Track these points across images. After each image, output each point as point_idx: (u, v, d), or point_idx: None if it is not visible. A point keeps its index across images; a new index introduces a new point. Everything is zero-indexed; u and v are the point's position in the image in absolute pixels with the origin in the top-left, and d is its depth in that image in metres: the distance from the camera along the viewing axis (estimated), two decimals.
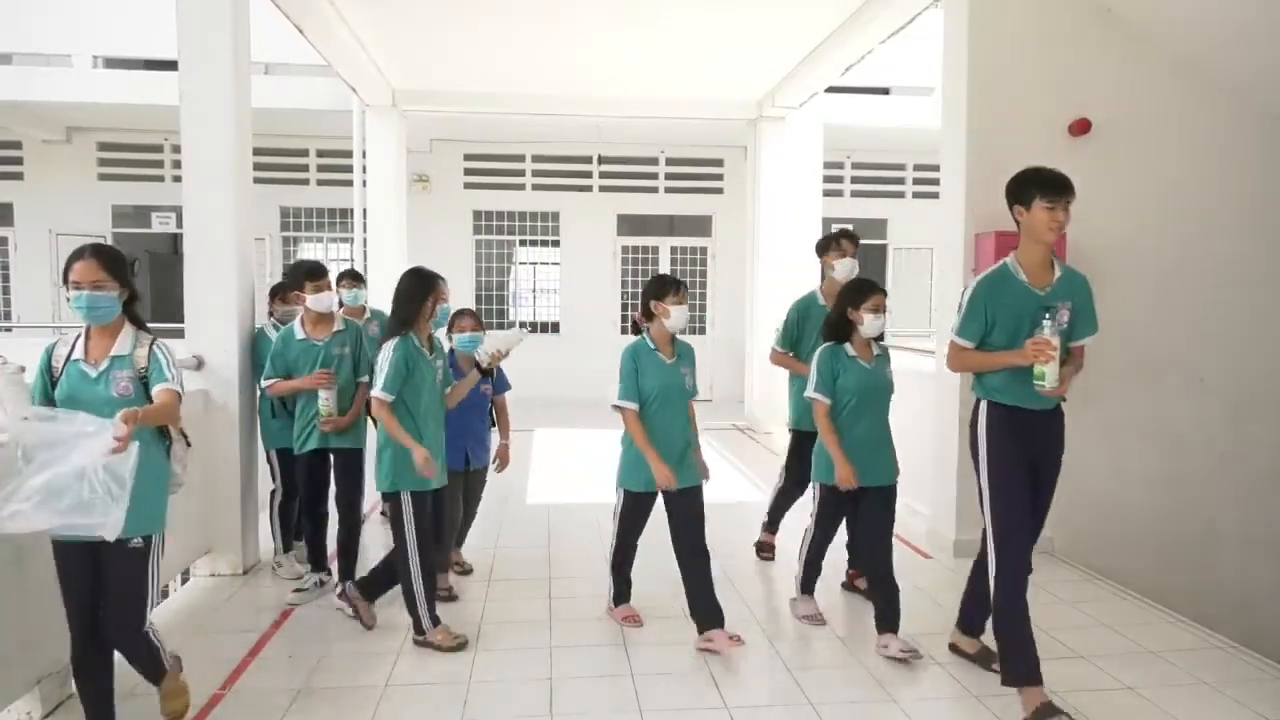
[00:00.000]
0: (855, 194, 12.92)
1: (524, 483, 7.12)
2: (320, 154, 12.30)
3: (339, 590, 4.28)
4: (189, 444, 3.08)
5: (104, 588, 2.83)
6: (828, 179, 10.91)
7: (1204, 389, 5.38)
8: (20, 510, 2.43)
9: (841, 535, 4.72)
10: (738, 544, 5.28)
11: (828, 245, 4.79)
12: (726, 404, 11.64)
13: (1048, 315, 3.11)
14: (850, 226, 4.87)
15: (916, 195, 12.77)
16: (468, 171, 12.74)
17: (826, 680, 3.62)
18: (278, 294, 5.02)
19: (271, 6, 6.14)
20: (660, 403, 3.86)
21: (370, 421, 4.35)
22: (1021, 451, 3.28)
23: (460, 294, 12.53)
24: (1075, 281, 3.33)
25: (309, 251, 12.74)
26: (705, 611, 3.80)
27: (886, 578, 3.84)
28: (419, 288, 3.88)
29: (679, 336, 3.98)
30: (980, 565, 3.50)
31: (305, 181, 12.37)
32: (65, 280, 2.80)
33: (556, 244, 13.07)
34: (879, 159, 12.84)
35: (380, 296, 6.28)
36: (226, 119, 4.77)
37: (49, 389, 2.79)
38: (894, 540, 4.03)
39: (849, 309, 3.85)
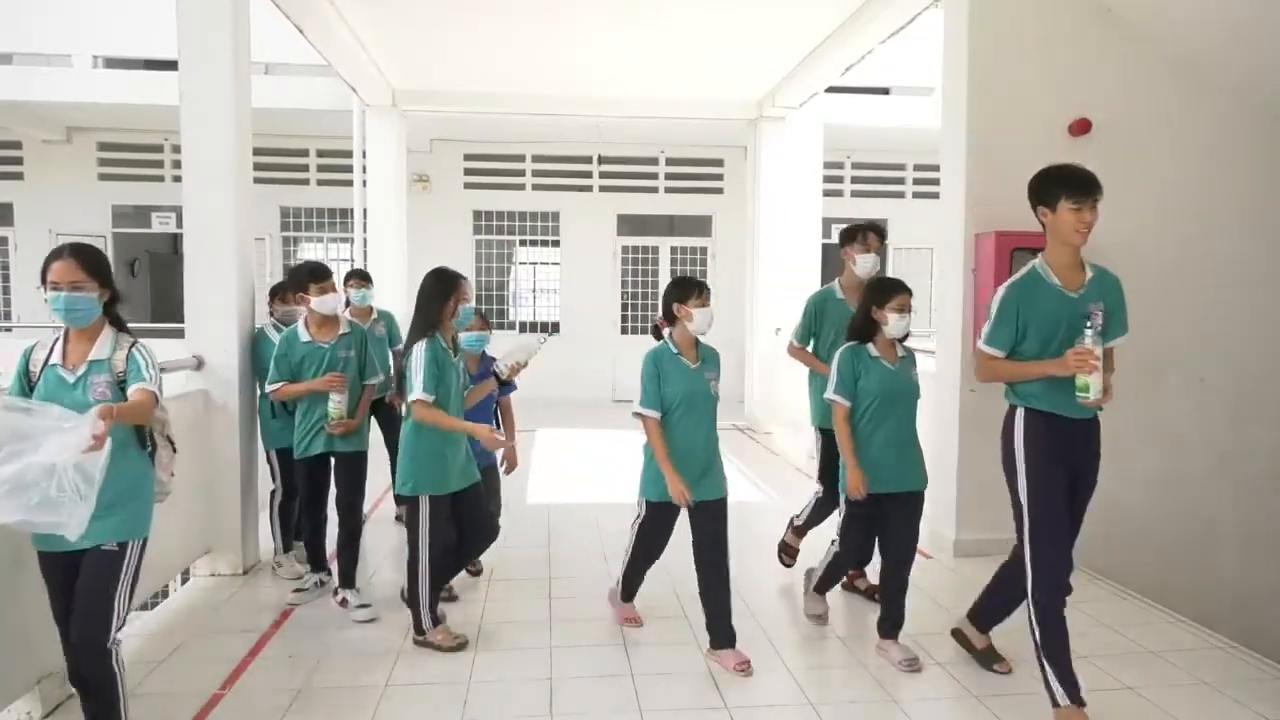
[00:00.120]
0: (855, 194, 12.92)
1: (524, 483, 7.12)
2: (320, 154, 12.30)
3: (339, 597, 4.28)
4: (175, 450, 2.97)
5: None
6: (828, 179, 10.92)
7: (1204, 389, 5.38)
8: None
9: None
10: (737, 543, 5.26)
11: (851, 237, 4.56)
12: (726, 404, 11.50)
13: (1089, 324, 2.97)
14: (876, 220, 4.68)
15: (916, 195, 12.78)
16: (468, 171, 12.75)
17: (826, 680, 3.62)
18: (278, 294, 5.02)
19: (271, 6, 6.14)
20: (684, 410, 3.67)
21: (375, 423, 4.35)
22: (1061, 462, 3.14)
23: None
24: (1107, 281, 3.21)
25: (309, 251, 12.75)
26: (718, 631, 3.71)
27: (902, 586, 3.78)
28: (442, 288, 3.85)
29: (703, 340, 3.81)
30: (1010, 568, 3.40)
31: (305, 181, 12.38)
32: (43, 281, 2.68)
33: (556, 244, 13.08)
34: (879, 159, 12.85)
35: (381, 297, 6.29)
36: (226, 119, 4.77)
37: (26, 394, 2.68)
38: None
39: (873, 308, 3.71)
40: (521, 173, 12.86)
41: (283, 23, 6.59)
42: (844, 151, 12.48)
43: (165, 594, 4.63)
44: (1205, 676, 3.61)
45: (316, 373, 4.29)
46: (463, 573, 4.83)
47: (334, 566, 4.51)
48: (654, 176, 13.04)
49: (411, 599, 3.86)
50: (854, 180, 13.00)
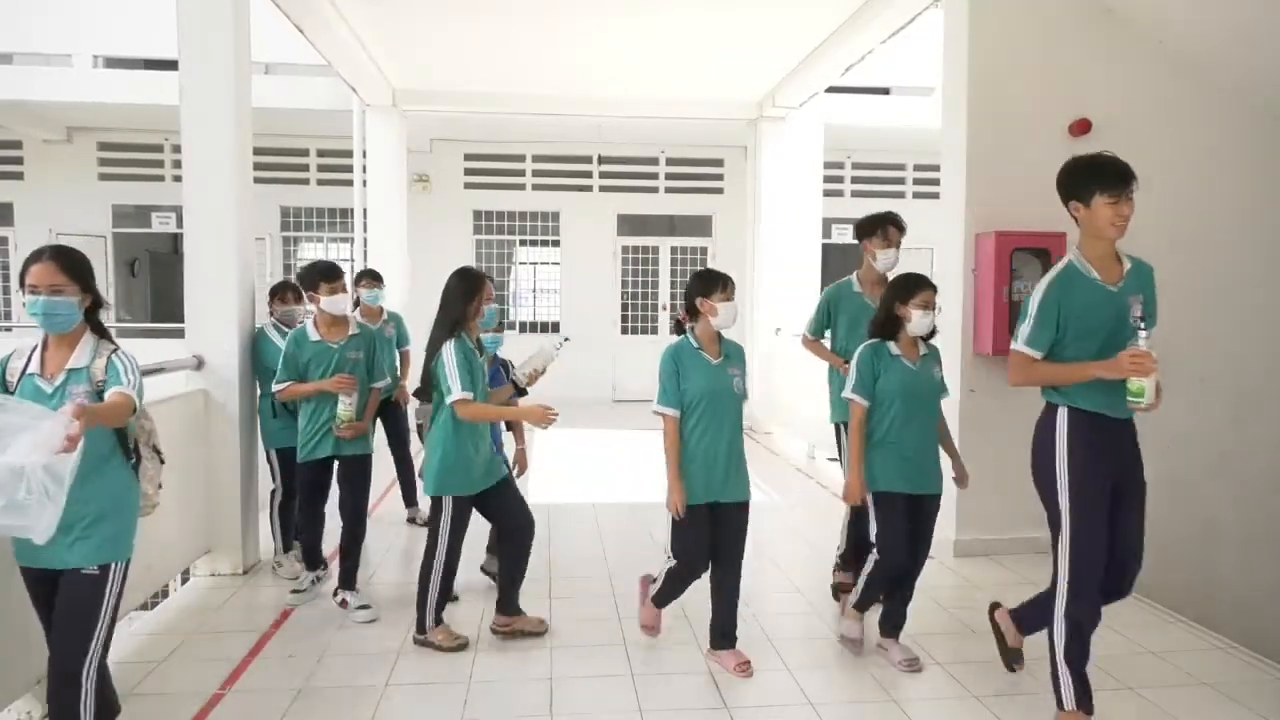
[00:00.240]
0: (855, 194, 12.92)
1: (524, 483, 7.09)
2: (320, 154, 12.30)
3: (339, 597, 4.28)
4: (162, 461, 2.83)
5: None
6: (828, 179, 10.91)
7: (1204, 389, 5.38)
8: None
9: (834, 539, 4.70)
10: None
11: (871, 230, 4.38)
12: None
13: (1142, 324, 2.81)
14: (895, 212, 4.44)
15: (916, 195, 12.78)
16: (468, 171, 12.75)
17: (826, 680, 3.62)
18: (278, 294, 5.01)
19: (271, 6, 6.14)
20: (707, 408, 3.50)
21: (381, 426, 4.31)
22: (1105, 466, 2.95)
23: None
24: (1143, 272, 3.04)
25: (309, 251, 12.75)
26: (721, 630, 3.67)
27: (910, 587, 3.75)
28: (467, 287, 3.84)
29: (726, 335, 3.67)
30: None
31: (305, 181, 12.38)
32: (21, 284, 2.57)
33: (556, 244, 13.08)
34: (879, 159, 12.85)
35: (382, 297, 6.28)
36: (226, 119, 4.77)
37: None
38: None
39: (896, 304, 3.58)
40: (522, 173, 12.86)
41: (283, 23, 6.59)
42: (844, 151, 12.48)
43: (165, 594, 4.63)
44: (1205, 676, 3.61)
45: (324, 373, 4.26)
46: (465, 575, 4.81)
47: (333, 565, 4.51)
48: (654, 176, 13.04)
49: (419, 597, 3.85)
50: (854, 180, 13.00)
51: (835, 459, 5.00)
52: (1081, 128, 5.15)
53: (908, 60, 9.31)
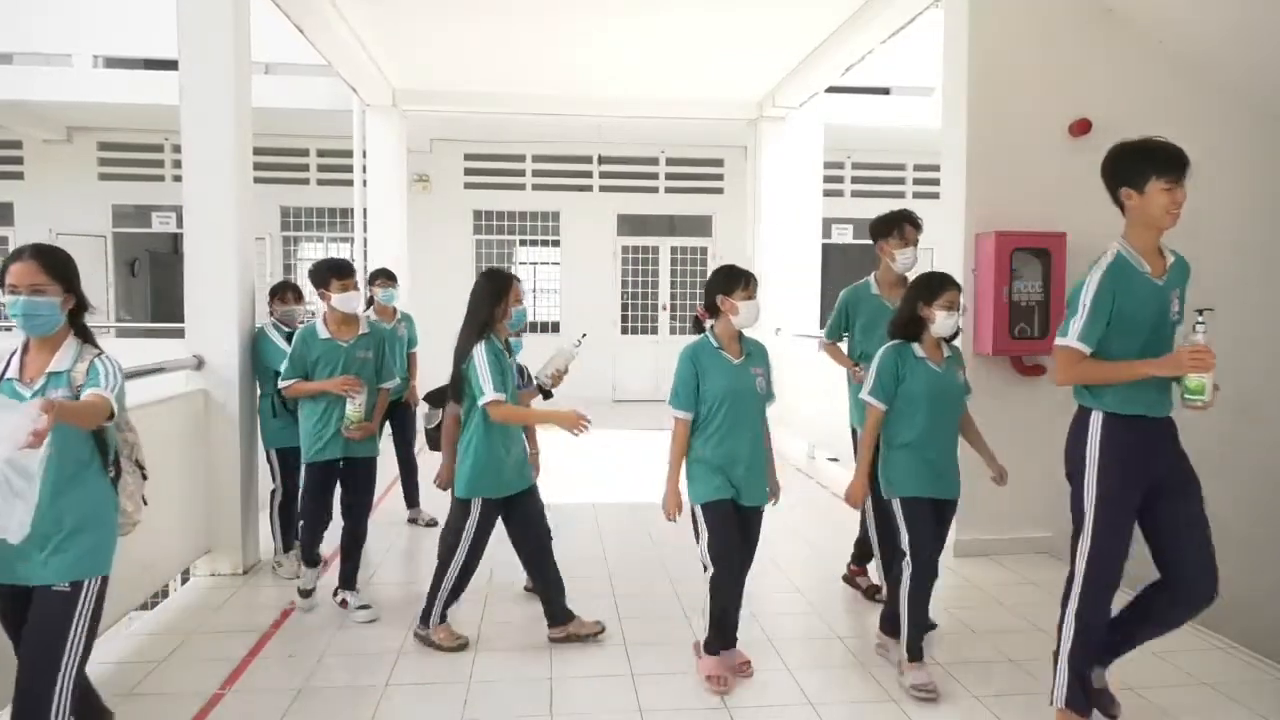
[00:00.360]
0: (855, 194, 12.93)
1: None
2: (320, 154, 12.31)
3: (339, 597, 4.28)
4: (145, 476, 2.69)
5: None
6: (828, 179, 10.91)
7: None
8: None
9: (851, 532, 4.72)
10: None
11: (888, 230, 4.23)
12: None
13: (1201, 317, 2.66)
14: (911, 210, 4.32)
15: (916, 195, 12.78)
16: (468, 171, 12.75)
17: (826, 680, 3.62)
18: (278, 294, 5.01)
19: (271, 6, 6.13)
20: (728, 409, 3.38)
21: (388, 428, 4.25)
22: (1142, 473, 2.84)
23: (460, 294, 12.53)
24: (1183, 268, 2.94)
25: (309, 251, 12.75)
26: (725, 631, 3.62)
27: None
28: (494, 289, 3.82)
29: (748, 333, 3.55)
30: (1137, 602, 3.04)
31: (305, 181, 12.39)
32: (1, 284, 2.44)
33: (556, 244, 13.08)
34: (879, 159, 12.86)
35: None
36: (227, 119, 4.77)
37: None
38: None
39: (920, 305, 3.45)
40: (522, 173, 12.86)
41: (283, 23, 6.58)
42: (844, 151, 12.49)
43: (165, 594, 4.63)
44: (1205, 677, 3.61)
45: (333, 371, 4.19)
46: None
47: (333, 564, 4.50)
48: (654, 176, 13.04)
49: (430, 592, 3.83)
50: (854, 180, 13.01)
51: (835, 459, 4.98)
52: (1081, 128, 5.15)
53: (908, 60, 9.31)
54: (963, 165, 5.15)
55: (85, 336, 2.56)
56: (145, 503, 2.69)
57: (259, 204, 5.89)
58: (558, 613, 3.96)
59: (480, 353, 3.68)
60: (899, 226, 4.20)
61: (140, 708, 3.31)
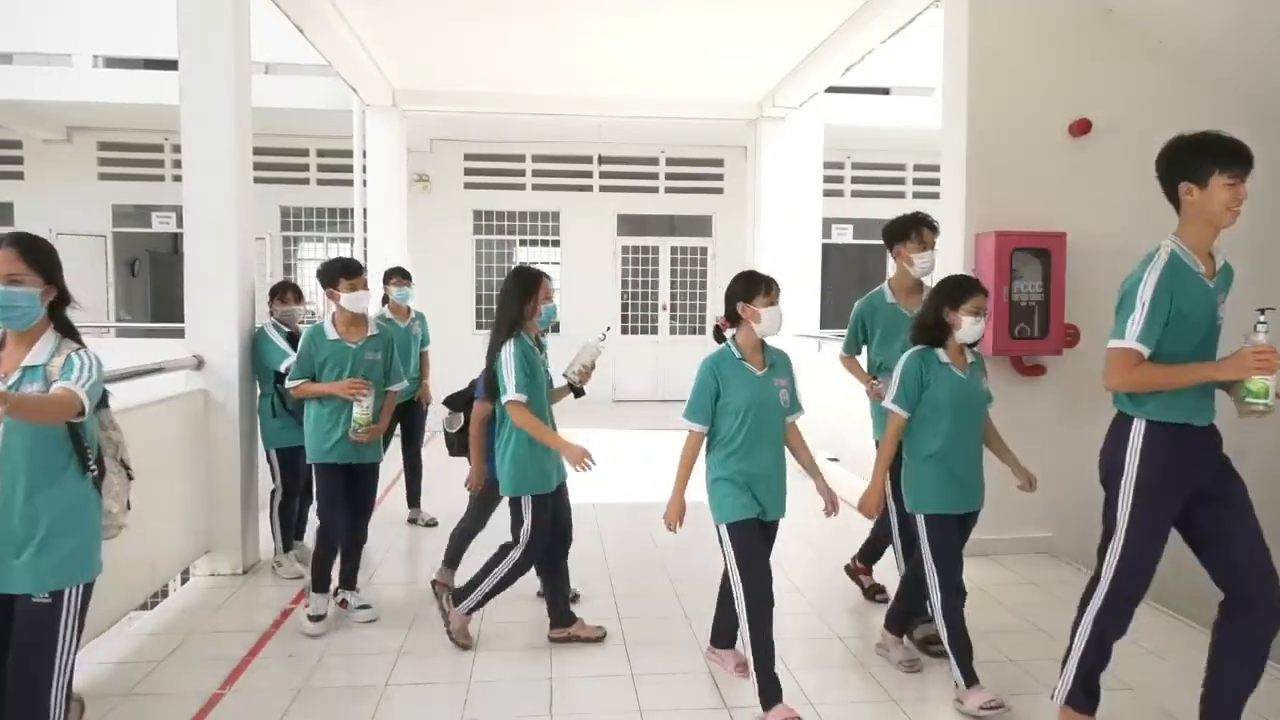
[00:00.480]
0: (855, 194, 12.92)
1: None
2: (320, 154, 12.30)
3: (339, 597, 4.27)
4: (131, 476, 2.58)
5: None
6: (828, 179, 10.91)
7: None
8: None
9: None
10: None
11: (904, 233, 4.05)
12: None
13: (1262, 316, 2.57)
14: (926, 213, 4.18)
15: (916, 195, 12.77)
16: (468, 171, 12.75)
17: (826, 680, 3.62)
18: (278, 294, 5.01)
19: (271, 6, 6.13)
20: (752, 421, 3.22)
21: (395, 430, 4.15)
22: (1183, 482, 2.74)
23: (460, 294, 12.56)
24: (1229, 272, 2.85)
25: (309, 251, 12.76)
26: (724, 633, 3.64)
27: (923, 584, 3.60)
28: (523, 286, 3.82)
29: (770, 342, 3.40)
30: (1217, 650, 2.86)
31: (305, 181, 12.38)
32: None
33: (556, 244, 13.08)
34: (879, 159, 12.85)
35: (381, 296, 6.28)
36: (226, 118, 4.77)
37: None
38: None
39: (946, 309, 3.33)
40: (522, 173, 12.86)
41: (283, 23, 6.58)
42: (844, 151, 12.48)
43: (165, 594, 4.63)
44: None
45: (340, 373, 4.12)
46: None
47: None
48: (654, 176, 13.04)
49: (477, 579, 3.81)
50: (854, 180, 13.00)
51: (835, 459, 4.95)
52: (1081, 128, 5.15)
53: (908, 60, 9.31)
54: (963, 165, 5.14)
55: (67, 331, 2.44)
56: (130, 506, 2.57)
57: (259, 204, 5.89)
58: (561, 614, 3.96)
59: (508, 351, 3.68)
60: (916, 230, 4.04)
61: (140, 708, 3.31)
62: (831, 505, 3.41)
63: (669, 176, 13.04)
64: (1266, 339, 2.55)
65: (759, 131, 10.10)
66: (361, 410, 4.04)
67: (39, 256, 2.36)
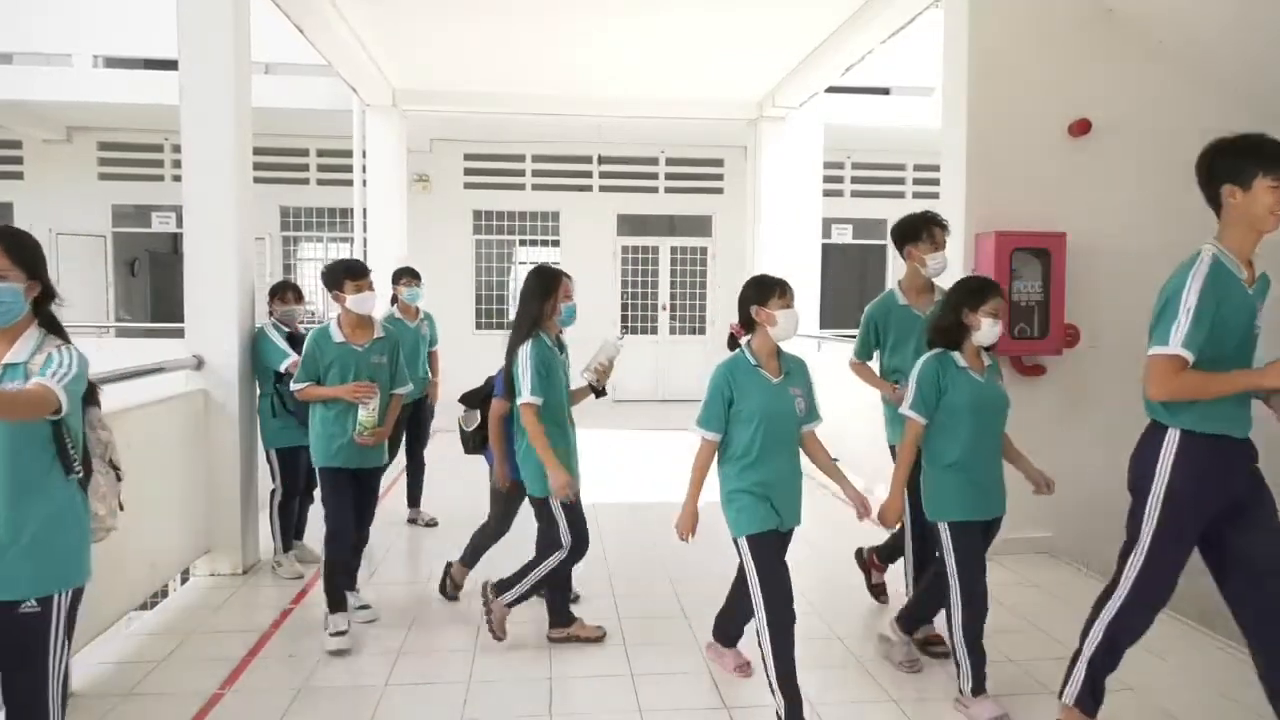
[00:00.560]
0: (855, 194, 12.93)
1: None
2: (320, 154, 12.31)
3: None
4: (120, 478, 2.49)
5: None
6: (828, 179, 10.92)
7: None
8: None
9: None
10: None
11: (915, 234, 3.94)
12: None
13: None
14: (935, 211, 4.07)
15: (916, 195, 12.78)
16: (468, 171, 12.75)
17: (826, 680, 3.62)
18: (278, 294, 5.01)
19: (271, 6, 6.13)
20: (766, 430, 3.12)
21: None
22: (1217, 495, 2.68)
23: (460, 294, 12.56)
24: (1266, 280, 2.78)
25: (309, 251, 12.76)
26: (725, 630, 3.65)
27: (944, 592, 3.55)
28: (543, 286, 3.80)
29: (785, 349, 3.33)
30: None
31: (305, 181, 12.39)
32: None
33: (556, 244, 13.07)
34: (879, 159, 12.85)
35: (383, 296, 6.29)
36: (226, 118, 4.77)
37: None
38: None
39: (964, 311, 3.24)
40: (521, 173, 12.86)
41: (283, 23, 6.59)
42: (844, 151, 12.48)
43: (165, 594, 4.63)
44: (1205, 677, 3.61)
45: (345, 376, 4.04)
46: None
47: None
48: (654, 176, 13.04)
49: (521, 573, 3.82)
50: (854, 180, 13.00)
51: (836, 459, 4.90)
52: (1081, 128, 5.15)
53: (908, 60, 9.31)
54: (963, 165, 5.14)
55: (52, 328, 2.35)
56: (122, 507, 2.49)
57: (259, 204, 5.90)
58: (561, 614, 3.96)
59: (524, 353, 3.68)
60: (927, 229, 3.93)
61: (140, 708, 3.31)
62: (864, 508, 3.30)
63: (669, 176, 13.04)
64: None
65: (759, 131, 10.10)
66: (367, 413, 3.99)
67: (22, 252, 2.27)
